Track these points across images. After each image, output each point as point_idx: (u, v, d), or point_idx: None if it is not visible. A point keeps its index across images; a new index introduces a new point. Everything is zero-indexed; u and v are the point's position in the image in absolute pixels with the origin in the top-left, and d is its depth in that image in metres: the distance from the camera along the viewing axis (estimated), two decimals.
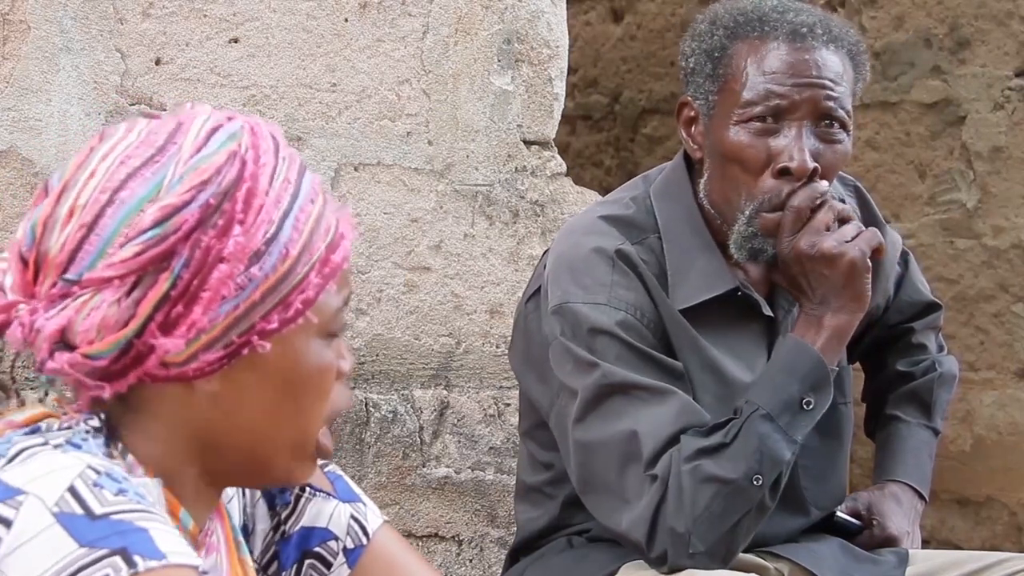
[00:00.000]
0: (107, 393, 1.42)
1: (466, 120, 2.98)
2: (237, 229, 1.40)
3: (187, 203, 1.40)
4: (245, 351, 1.42)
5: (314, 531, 1.67)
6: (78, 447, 1.40)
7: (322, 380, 1.48)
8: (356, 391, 2.94)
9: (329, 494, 1.68)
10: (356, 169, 2.94)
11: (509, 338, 2.68)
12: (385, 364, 2.97)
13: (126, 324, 1.39)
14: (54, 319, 1.40)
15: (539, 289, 2.50)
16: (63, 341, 1.40)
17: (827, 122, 2.41)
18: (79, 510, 1.33)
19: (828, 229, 2.37)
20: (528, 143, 3.02)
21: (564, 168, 3.07)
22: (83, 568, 1.29)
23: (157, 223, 1.39)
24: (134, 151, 1.43)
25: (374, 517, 1.70)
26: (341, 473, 1.72)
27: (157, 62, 2.83)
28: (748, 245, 2.40)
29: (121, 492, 1.35)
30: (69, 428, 1.44)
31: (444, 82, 2.97)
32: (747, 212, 2.40)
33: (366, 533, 1.68)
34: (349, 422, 2.93)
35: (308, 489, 1.68)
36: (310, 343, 1.45)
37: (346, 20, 2.91)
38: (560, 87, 3.05)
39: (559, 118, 3.06)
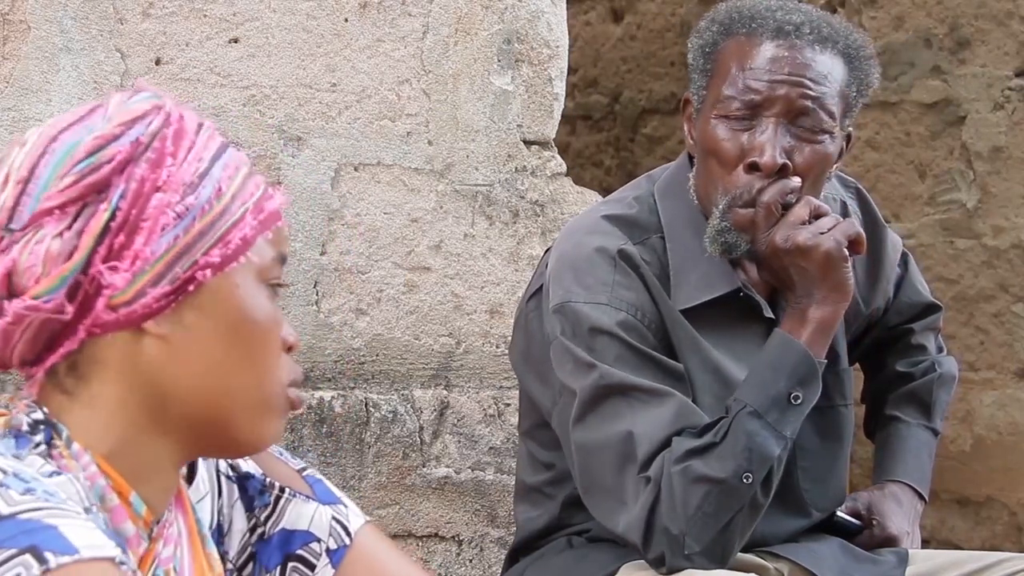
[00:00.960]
0: (60, 356, 1.43)
1: (466, 120, 2.98)
2: (169, 160, 1.44)
3: (117, 136, 1.44)
4: (191, 287, 1.44)
5: (295, 534, 1.67)
6: None
7: (268, 327, 1.49)
8: (356, 391, 2.94)
9: (309, 496, 1.68)
10: (356, 169, 2.94)
11: (509, 338, 2.69)
12: (385, 364, 2.97)
13: (70, 255, 1.41)
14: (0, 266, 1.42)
15: (540, 288, 2.50)
16: (10, 292, 1.42)
17: (804, 120, 2.41)
18: None
19: (805, 223, 2.37)
20: (528, 143, 3.02)
21: (564, 168, 3.07)
22: None
23: (90, 153, 1.43)
24: (62, 119, 1.48)
25: (356, 517, 1.70)
26: (320, 476, 1.71)
27: (157, 62, 2.83)
28: (721, 239, 2.40)
29: (28, 491, 1.34)
30: None
31: (444, 82, 2.97)
32: (721, 206, 2.41)
33: (348, 533, 1.68)
34: (349, 422, 2.93)
35: (287, 490, 1.68)
36: (253, 287, 1.48)
37: (346, 20, 2.91)
38: (560, 87, 3.05)
39: (559, 118, 3.06)
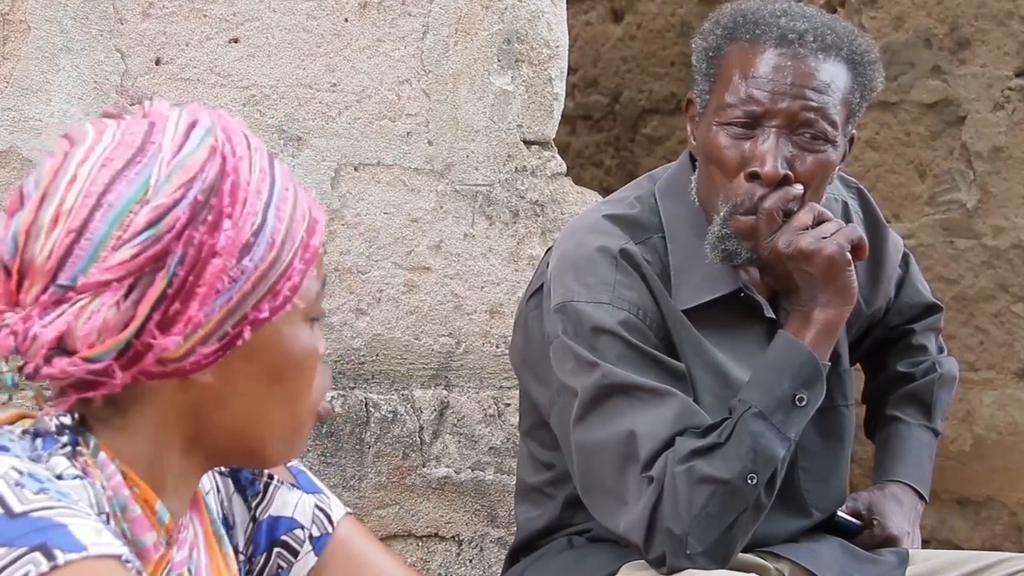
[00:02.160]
0: (99, 395, 1.43)
1: (466, 120, 2.98)
2: (227, 223, 1.42)
3: (177, 202, 1.41)
4: (239, 342, 1.44)
5: (280, 520, 1.70)
6: (5, 450, 1.41)
7: (309, 364, 1.50)
8: (356, 391, 2.94)
9: (293, 485, 1.70)
10: (356, 169, 2.94)
11: (509, 338, 2.69)
12: (385, 364, 2.96)
13: (126, 326, 1.40)
14: (52, 326, 1.40)
15: (541, 287, 2.50)
16: (60, 347, 1.41)
17: (806, 131, 2.41)
18: None
19: (807, 229, 2.38)
20: (528, 143, 3.02)
21: (564, 168, 3.07)
22: (4, 567, 1.30)
23: (151, 224, 1.40)
24: (113, 152, 1.43)
25: (337, 508, 1.73)
26: (303, 468, 1.74)
27: (157, 62, 2.83)
28: (721, 246, 2.41)
29: (42, 491, 1.36)
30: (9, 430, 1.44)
31: (444, 82, 2.96)
32: (722, 213, 2.41)
33: (331, 522, 1.71)
34: (349, 422, 2.93)
35: (275, 477, 1.70)
36: (297, 329, 1.48)
37: (346, 20, 2.91)
38: (560, 87, 3.05)
39: (559, 118, 3.06)
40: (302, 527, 1.69)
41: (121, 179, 1.42)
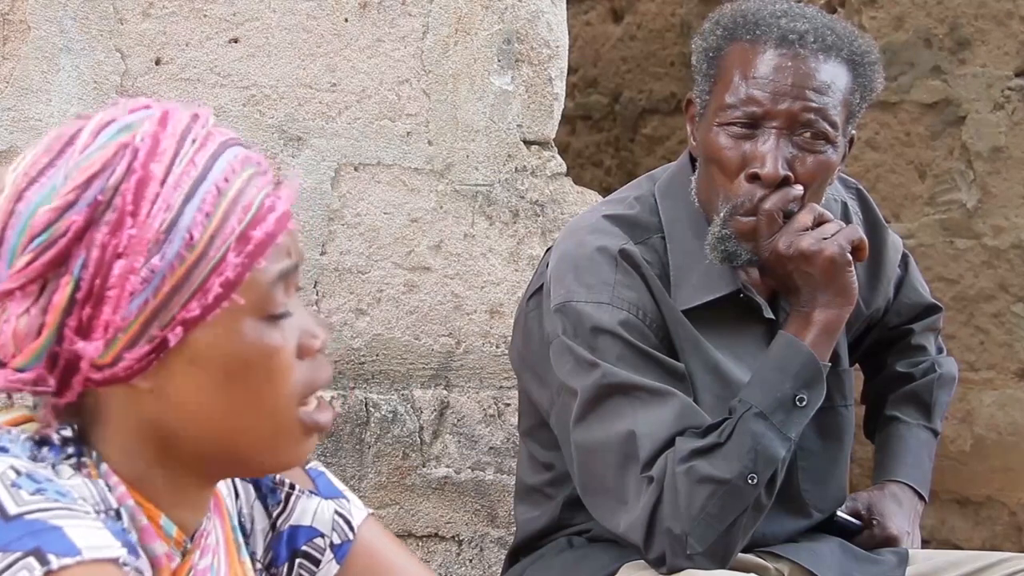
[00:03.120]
0: (60, 403, 1.41)
1: (466, 120, 2.98)
2: (129, 222, 1.37)
3: (72, 203, 1.38)
4: (170, 344, 1.39)
5: (300, 529, 1.67)
6: (4, 451, 1.40)
7: (269, 361, 1.42)
8: (356, 391, 2.94)
9: (312, 492, 1.68)
10: (356, 169, 2.94)
11: (509, 338, 2.69)
12: (385, 364, 2.96)
13: (39, 333, 1.38)
14: None
15: (541, 287, 2.50)
16: None
17: (806, 132, 2.41)
18: None
19: (808, 230, 2.38)
20: (528, 143, 3.02)
21: (564, 168, 3.07)
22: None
23: (47, 226, 1.37)
24: (37, 159, 1.41)
25: (358, 511, 1.70)
26: (323, 469, 1.71)
27: (157, 62, 2.83)
28: (721, 247, 2.41)
29: (39, 491, 1.34)
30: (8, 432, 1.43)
31: (444, 82, 2.96)
32: (722, 214, 2.41)
33: (351, 528, 1.68)
34: (349, 422, 2.93)
35: (297, 487, 1.67)
36: (243, 325, 1.41)
37: (346, 20, 2.91)
38: (560, 87, 3.05)
39: (559, 118, 3.06)
40: (322, 535, 1.66)
41: (33, 185, 1.39)
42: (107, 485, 1.43)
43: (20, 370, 1.39)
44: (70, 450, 1.43)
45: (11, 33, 2.76)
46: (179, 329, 1.39)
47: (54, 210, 1.37)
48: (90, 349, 1.38)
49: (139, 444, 1.44)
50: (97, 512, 1.40)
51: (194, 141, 1.42)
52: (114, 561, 1.32)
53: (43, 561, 1.29)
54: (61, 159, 1.40)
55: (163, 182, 1.39)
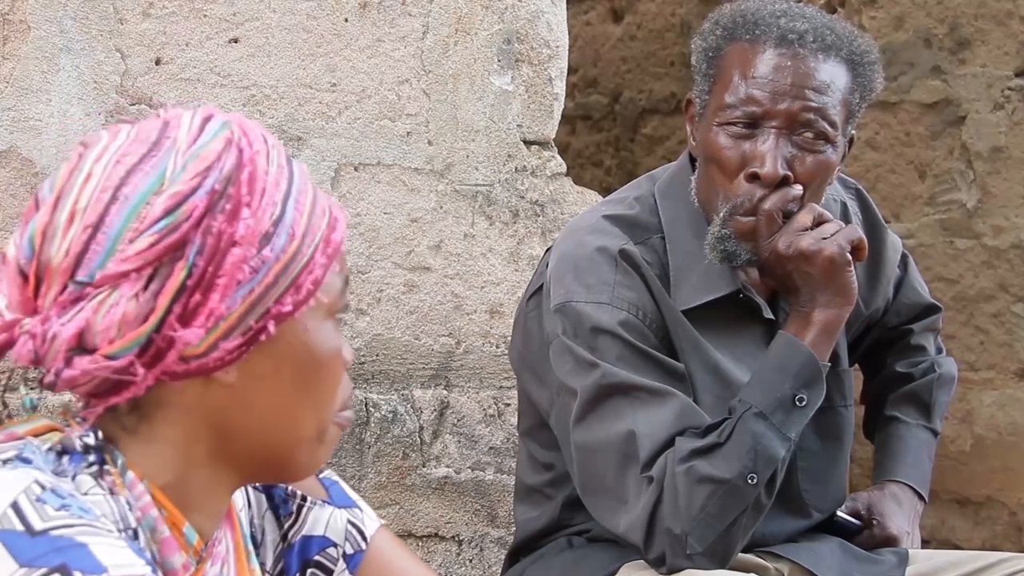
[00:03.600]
0: (124, 399, 1.41)
1: (466, 120, 2.98)
2: (246, 212, 1.40)
3: (194, 189, 1.39)
4: (262, 337, 1.41)
5: (312, 539, 1.67)
6: (28, 462, 1.39)
7: (334, 365, 1.47)
8: (356, 391, 2.94)
9: (325, 501, 1.68)
10: (356, 169, 2.94)
11: (509, 338, 2.69)
12: (385, 364, 2.96)
13: (146, 318, 1.38)
14: (71, 323, 1.38)
15: (540, 288, 2.50)
16: (80, 346, 1.38)
17: (806, 132, 2.41)
18: (20, 527, 1.31)
19: (807, 230, 2.38)
20: (528, 143, 3.02)
21: (564, 168, 3.07)
22: None
23: (168, 212, 1.38)
24: (128, 148, 1.42)
25: (371, 521, 1.70)
26: (336, 479, 1.71)
27: (157, 62, 2.83)
28: (721, 247, 2.41)
29: (64, 507, 1.33)
30: (21, 441, 1.42)
31: (444, 82, 2.97)
32: (722, 214, 2.41)
33: (364, 537, 1.68)
34: (353, 413, 2.93)
35: (309, 498, 1.67)
36: (321, 325, 1.45)
37: (346, 20, 2.91)
38: (560, 87, 3.05)
39: (559, 118, 3.06)
40: (335, 545, 1.67)
41: (136, 172, 1.40)
42: (130, 495, 1.42)
43: (111, 356, 1.38)
44: (91, 458, 1.42)
45: (11, 33, 2.76)
46: (272, 323, 1.41)
47: (176, 195, 1.39)
48: (190, 336, 1.38)
49: (189, 443, 1.44)
50: (119, 530, 1.39)
51: (273, 145, 1.46)
52: None
53: None
54: (161, 150, 1.41)
55: (266, 174, 1.42)
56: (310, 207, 1.44)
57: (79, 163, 1.42)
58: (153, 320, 1.38)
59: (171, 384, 1.41)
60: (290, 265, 1.42)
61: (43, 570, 1.29)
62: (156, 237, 1.38)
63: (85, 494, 1.39)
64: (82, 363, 1.38)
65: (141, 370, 1.39)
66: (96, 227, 1.39)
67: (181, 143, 1.42)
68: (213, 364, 1.41)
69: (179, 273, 1.38)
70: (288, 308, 1.42)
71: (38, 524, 1.32)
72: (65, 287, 1.39)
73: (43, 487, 1.35)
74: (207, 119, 1.44)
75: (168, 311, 1.38)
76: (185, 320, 1.38)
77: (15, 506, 1.33)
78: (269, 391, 1.44)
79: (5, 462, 1.39)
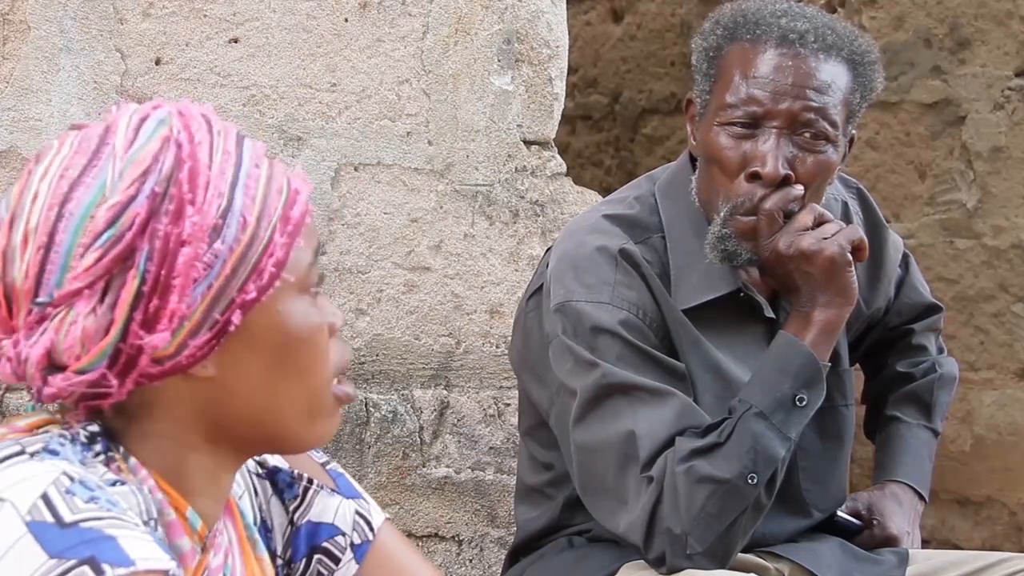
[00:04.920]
0: (107, 404, 1.42)
1: (466, 120, 2.98)
2: (190, 210, 1.40)
3: (133, 197, 1.40)
4: (231, 328, 1.42)
5: (321, 526, 1.68)
6: (55, 454, 1.40)
7: (315, 338, 1.47)
8: (356, 391, 2.94)
9: (334, 490, 1.69)
10: (356, 169, 2.94)
11: (509, 338, 2.69)
12: (385, 364, 2.96)
13: (107, 331, 1.39)
14: (37, 344, 1.39)
15: (540, 287, 2.50)
16: (52, 364, 1.40)
17: (807, 132, 2.41)
18: (50, 518, 1.33)
19: (808, 230, 2.38)
20: (528, 143, 3.02)
21: (564, 168, 3.07)
22: None
23: (110, 223, 1.39)
24: (70, 162, 1.42)
25: (377, 514, 1.71)
26: (343, 471, 1.72)
27: (157, 62, 2.83)
28: (721, 246, 2.41)
29: (92, 500, 1.35)
30: (48, 434, 1.43)
31: (444, 82, 2.96)
32: (722, 213, 2.41)
33: (372, 528, 1.69)
34: (349, 422, 2.93)
35: (315, 482, 1.68)
36: (293, 303, 1.46)
37: (346, 20, 2.91)
38: (560, 87, 3.05)
39: (559, 118, 3.06)
40: (343, 534, 1.68)
41: (79, 186, 1.41)
42: (135, 479, 1.43)
43: (82, 371, 1.40)
44: (97, 447, 1.43)
45: (11, 33, 2.76)
46: (238, 312, 1.41)
47: (116, 206, 1.39)
48: (157, 340, 1.39)
49: (185, 433, 1.46)
50: (144, 522, 1.40)
51: (219, 132, 1.45)
52: (165, 573, 1.33)
53: (98, 570, 1.30)
54: (100, 159, 1.42)
55: (210, 168, 1.42)
56: (263, 189, 1.44)
57: (28, 181, 1.44)
58: (114, 331, 1.39)
59: (150, 386, 1.43)
60: (248, 252, 1.42)
61: (72, 561, 1.30)
62: (102, 251, 1.39)
63: (112, 486, 1.40)
64: (56, 381, 1.40)
65: (115, 381, 1.40)
66: (48, 247, 1.40)
67: (119, 149, 1.42)
68: (187, 362, 1.42)
69: (132, 282, 1.39)
70: (252, 295, 1.42)
71: (68, 516, 1.33)
72: (31, 309, 1.40)
73: (72, 479, 1.36)
74: (144, 119, 1.44)
75: (129, 320, 1.39)
76: (149, 325, 1.39)
77: (45, 497, 1.34)
78: (251, 376, 1.45)
79: (33, 454, 1.40)
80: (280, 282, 1.43)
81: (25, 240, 1.41)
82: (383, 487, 2.95)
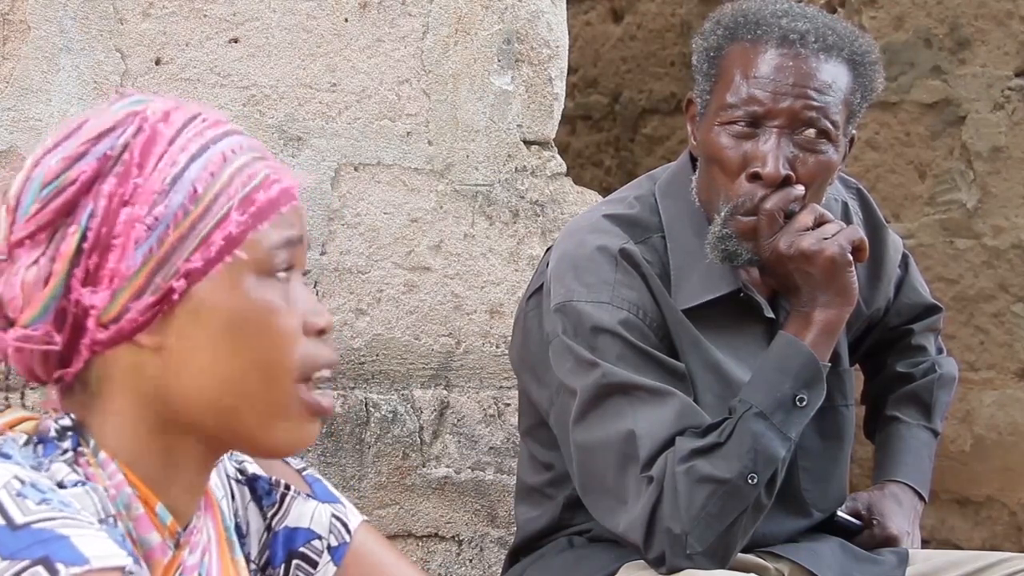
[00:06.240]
0: (67, 374, 1.44)
1: (466, 120, 2.98)
2: (135, 172, 1.42)
3: (83, 154, 1.42)
4: (174, 296, 1.42)
5: (298, 531, 1.68)
6: (7, 457, 1.41)
7: (269, 318, 1.45)
8: (356, 391, 2.94)
9: (309, 495, 1.69)
10: (356, 169, 2.94)
11: (509, 338, 2.69)
12: (385, 364, 2.96)
13: (47, 282, 1.41)
14: None
15: (540, 287, 2.50)
16: (8, 321, 1.43)
17: (808, 131, 2.41)
18: (1, 521, 1.33)
19: (808, 230, 2.38)
20: (528, 143, 3.02)
21: (564, 168, 3.07)
22: None
23: (55, 176, 1.42)
24: (53, 137, 1.46)
25: (354, 516, 1.71)
26: (319, 476, 1.72)
27: (157, 62, 2.83)
28: (722, 246, 2.41)
29: (44, 501, 1.35)
30: (0, 437, 1.44)
31: (444, 82, 2.96)
32: (723, 213, 2.41)
33: (348, 530, 1.69)
34: (349, 422, 2.93)
35: (292, 488, 1.68)
36: (244, 281, 1.44)
37: (346, 20, 2.91)
38: (560, 87, 3.05)
39: (559, 118, 3.06)
40: (320, 537, 1.68)
41: (48, 154, 1.45)
42: (103, 473, 1.44)
43: (28, 325, 1.41)
44: (66, 444, 1.44)
45: (11, 33, 2.76)
46: (182, 281, 1.42)
47: (64, 160, 1.42)
48: (96, 299, 1.41)
49: (140, 412, 1.46)
50: (100, 521, 1.40)
51: (204, 120, 1.47)
52: (120, 570, 1.33)
53: (52, 570, 1.30)
54: (72, 131, 1.45)
55: (171, 142, 1.44)
56: (230, 171, 1.44)
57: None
58: (53, 283, 1.41)
59: (106, 356, 1.44)
60: (198, 224, 1.42)
61: (25, 562, 1.30)
62: (43, 202, 1.42)
63: (61, 485, 1.40)
64: (8, 337, 1.43)
65: (58, 338, 1.41)
66: (15, 208, 1.44)
67: (88, 122, 1.46)
68: (129, 326, 1.42)
69: (73, 236, 1.41)
70: (198, 264, 1.42)
71: (19, 518, 1.33)
72: None
73: (23, 482, 1.36)
74: (121, 98, 1.48)
75: (69, 275, 1.41)
76: (89, 283, 1.41)
77: None
78: (199, 352, 1.44)
79: None
80: (231, 258, 1.43)
81: (4, 207, 1.45)
82: (383, 487, 2.95)
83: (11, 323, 1.43)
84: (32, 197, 1.42)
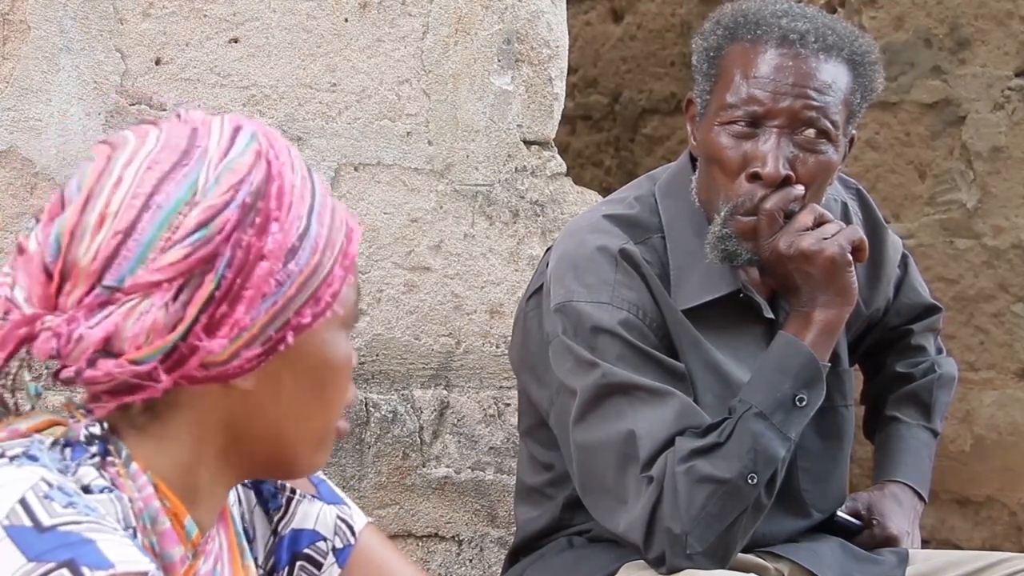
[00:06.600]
0: (139, 399, 1.42)
1: (466, 120, 2.98)
2: (274, 226, 1.42)
3: (227, 203, 1.41)
4: (281, 347, 1.44)
5: (303, 533, 1.68)
6: (35, 459, 1.40)
7: (346, 371, 1.51)
8: (356, 391, 2.94)
9: (314, 496, 1.69)
10: (356, 169, 2.94)
11: (509, 338, 2.69)
12: (385, 364, 2.96)
13: (174, 327, 1.40)
14: (99, 327, 1.40)
15: (540, 287, 2.50)
16: (105, 349, 1.40)
17: (808, 131, 2.41)
18: (28, 522, 1.33)
19: (808, 230, 2.38)
20: (528, 143, 3.02)
21: (564, 168, 3.07)
22: None
23: (201, 225, 1.40)
24: (159, 156, 1.43)
25: (359, 517, 1.72)
26: (324, 477, 1.73)
27: (157, 62, 2.83)
28: (721, 246, 2.41)
29: (71, 505, 1.35)
30: (29, 439, 1.43)
31: (444, 82, 2.96)
32: (723, 213, 2.41)
33: (353, 532, 1.70)
34: (349, 422, 2.93)
35: (298, 492, 1.68)
36: (336, 336, 1.48)
37: (346, 20, 2.91)
38: (560, 87, 3.05)
39: (559, 118, 3.06)
40: (324, 539, 1.68)
41: (168, 181, 1.42)
42: (132, 485, 1.44)
43: (136, 362, 1.40)
44: (94, 449, 1.43)
45: (11, 33, 2.76)
46: (291, 333, 1.44)
47: (210, 208, 1.41)
48: (214, 346, 1.41)
49: (199, 443, 1.46)
50: (125, 528, 1.41)
51: (295, 156, 1.48)
52: (145, 574, 1.33)
53: (77, 573, 1.30)
54: (191, 159, 1.43)
55: (293, 191, 1.45)
56: (330, 219, 1.47)
57: (108, 166, 1.44)
58: (180, 329, 1.40)
59: (188, 387, 1.43)
60: (311, 278, 1.44)
61: (51, 564, 1.30)
62: (190, 249, 1.40)
63: (87, 490, 1.40)
64: (106, 365, 1.40)
65: (163, 375, 1.41)
66: (127, 233, 1.40)
67: (212, 154, 1.43)
68: (233, 371, 1.43)
69: (208, 285, 1.40)
70: (307, 320, 1.44)
71: (46, 520, 1.33)
72: (92, 289, 1.40)
73: (50, 484, 1.36)
74: (237, 129, 1.46)
75: (195, 321, 1.40)
76: (210, 330, 1.41)
77: (23, 502, 1.34)
78: (283, 397, 1.47)
79: (12, 459, 1.40)
80: (331, 313, 1.46)
81: (100, 222, 1.41)
82: (383, 487, 2.95)
83: (113, 352, 1.41)
84: (157, 234, 1.40)
